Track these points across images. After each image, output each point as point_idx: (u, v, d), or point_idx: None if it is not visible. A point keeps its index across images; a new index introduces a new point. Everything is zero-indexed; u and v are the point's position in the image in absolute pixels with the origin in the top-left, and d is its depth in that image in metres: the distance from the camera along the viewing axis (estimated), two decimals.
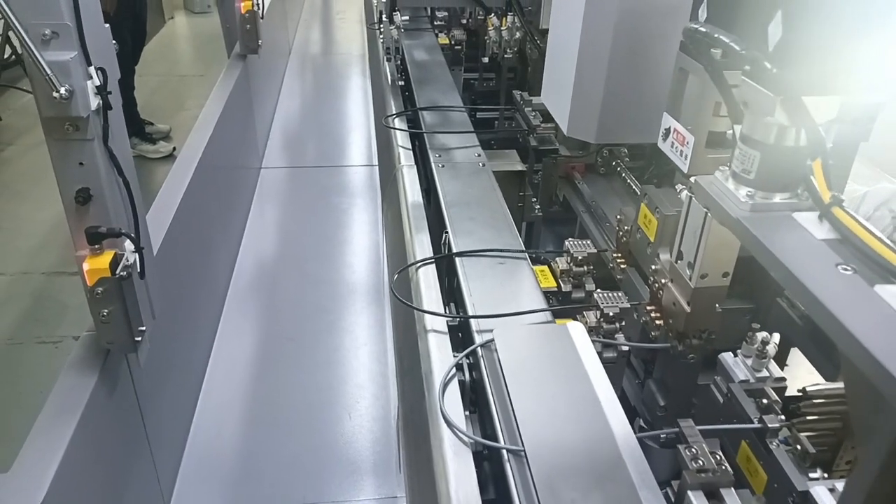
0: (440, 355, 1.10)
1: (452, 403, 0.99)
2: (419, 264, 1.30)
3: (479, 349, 1.07)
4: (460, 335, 1.20)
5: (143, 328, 1.60)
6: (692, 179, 0.93)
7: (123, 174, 1.51)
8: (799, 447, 0.89)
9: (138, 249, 1.55)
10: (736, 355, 1.05)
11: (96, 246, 1.47)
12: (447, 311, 1.20)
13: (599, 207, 1.67)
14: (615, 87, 1.20)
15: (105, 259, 1.48)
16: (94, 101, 1.39)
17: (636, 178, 1.66)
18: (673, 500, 0.84)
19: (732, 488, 0.81)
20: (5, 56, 4.33)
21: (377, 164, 3.87)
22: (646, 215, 1.19)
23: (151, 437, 1.90)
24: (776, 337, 1.05)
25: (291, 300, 2.92)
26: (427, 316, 1.17)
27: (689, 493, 0.79)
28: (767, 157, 0.81)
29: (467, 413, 1.00)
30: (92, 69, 1.37)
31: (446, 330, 1.15)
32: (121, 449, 1.73)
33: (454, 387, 1.03)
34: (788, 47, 0.75)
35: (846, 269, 0.70)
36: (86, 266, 1.47)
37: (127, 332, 1.55)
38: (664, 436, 1.00)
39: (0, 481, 1.32)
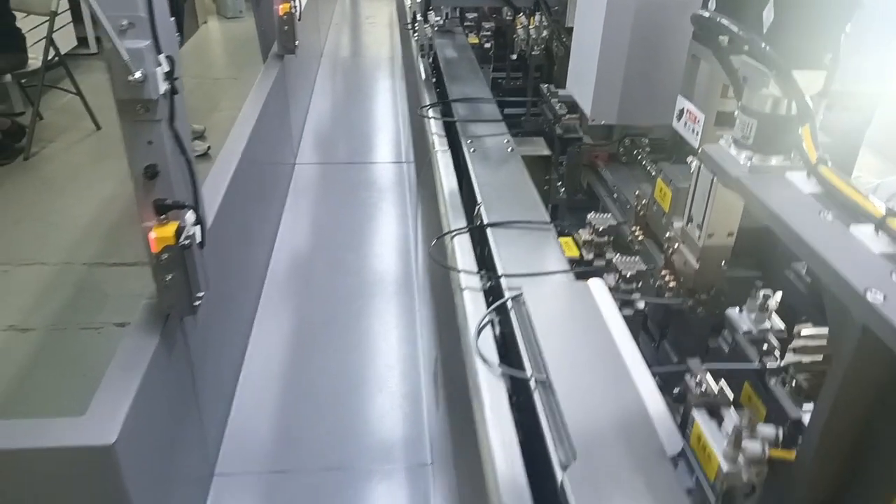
0: (474, 308, 1.24)
1: (485, 344, 1.13)
2: (454, 233, 1.44)
3: (509, 302, 1.21)
4: (491, 298, 1.34)
5: (201, 294, 1.76)
6: (700, 149, 1.06)
7: (186, 153, 1.68)
8: (794, 383, 1.01)
9: (199, 221, 1.71)
10: (741, 312, 1.18)
11: (162, 217, 1.63)
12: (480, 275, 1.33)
13: (622, 193, 1.79)
14: (634, 75, 1.34)
15: (170, 229, 1.64)
16: (163, 86, 1.56)
17: (655, 166, 1.79)
18: (680, 421, 0.97)
19: (732, 408, 0.94)
20: (49, 57, 4.54)
21: (405, 160, 4.03)
22: (661, 189, 1.32)
23: (201, 401, 2.06)
24: (778, 295, 1.18)
25: (325, 287, 3.08)
26: (462, 276, 1.31)
27: (694, 410, 0.91)
28: (763, 125, 0.94)
29: (498, 356, 1.14)
30: (161, 56, 1.54)
31: (479, 287, 1.28)
32: (175, 407, 1.89)
33: (487, 332, 1.17)
34: (779, 28, 0.88)
35: (827, 215, 0.83)
36: (152, 235, 1.63)
37: (187, 296, 1.71)
38: (673, 371, 1.12)
39: (78, 422, 1.48)
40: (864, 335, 0.71)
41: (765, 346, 1.10)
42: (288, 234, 3.46)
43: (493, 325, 1.21)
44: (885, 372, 0.73)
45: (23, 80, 4.76)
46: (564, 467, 0.90)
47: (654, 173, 1.78)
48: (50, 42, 4.55)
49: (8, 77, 4.61)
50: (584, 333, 1.13)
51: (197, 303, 1.75)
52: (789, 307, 1.27)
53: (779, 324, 1.15)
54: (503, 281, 1.27)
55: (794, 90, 0.89)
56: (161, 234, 1.63)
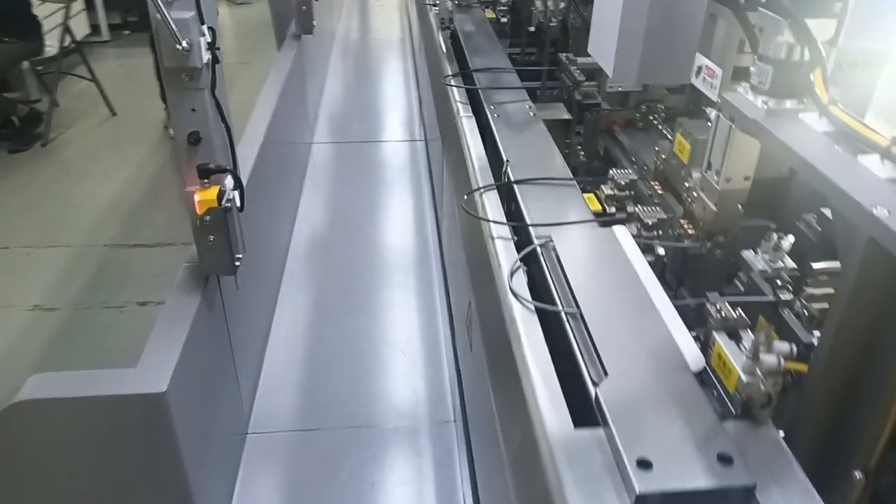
0: (506, 254, 1.33)
1: (518, 285, 1.23)
2: (483, 189, 1.53)
3: (538, 248, 1.30)
4: (521, 247, 1.43)
5: (240, 255, 1.86)
6: (719, 97, 1.14)
7: (225, 120, 1.77)
8: (806, 313, 1.10)
9: (238, 186, 1.80)
10: (756, 253, 1.27)
11: (205, 181, 1.72)
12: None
13: (638, 156, 1.87)
14: (653, 36, 1.42)
15: (213, 192, 1.73)
16: (206, 55, 1.64)
17: (671, 130, 1.87)
18: (701, 345, 1.06)
19: (749, 330, 1.02)
20: (65, 44, 4.61)
21: (419, 139, 4.12)
22: (680, 142, 1.40)
23: (237, 361, 2.16)
24: (790, 237, 1.26)
25: (345, 259, 3.19)
26: (493, 226, 1.40)
27: (714, 333, 1.00)
28: (778, 71, 1.02)
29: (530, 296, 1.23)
30: (204, 27, 1.63)
31: (510, 237, 1.37)
32: (216, 365, 2.00)
33: (519, 276, 1.26)
34: None
35: (837, 148, 0.91)
36: (197, 198, 1.72)
37: (229, 256, 1.81)
38: (694, 305, 1.21)
39: (131, 373, 1.58)
40: (870, 247, 0.80)
41: (778, 283, 1.19)
42: (308, 211, 3.56)
43: (523, 271, 1.30)
44: (889, 279, 0.82)
45: (38, 68, 4.83)
46: (596, 384, 0.99)
47: (669, 136, 1.86)
48: (66, 29, 4.62)
49: (25, 64, 4.68)
50: (610, 272, 1.22)
51: (237, 263, 1.84)
52: (800, 254, 1.35)
53: (791, 263, 1.24)
54: (531, 231, 1.36)
55: (807, 36, 0.97)
56: (205, 196, 1.72)
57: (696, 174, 1.36)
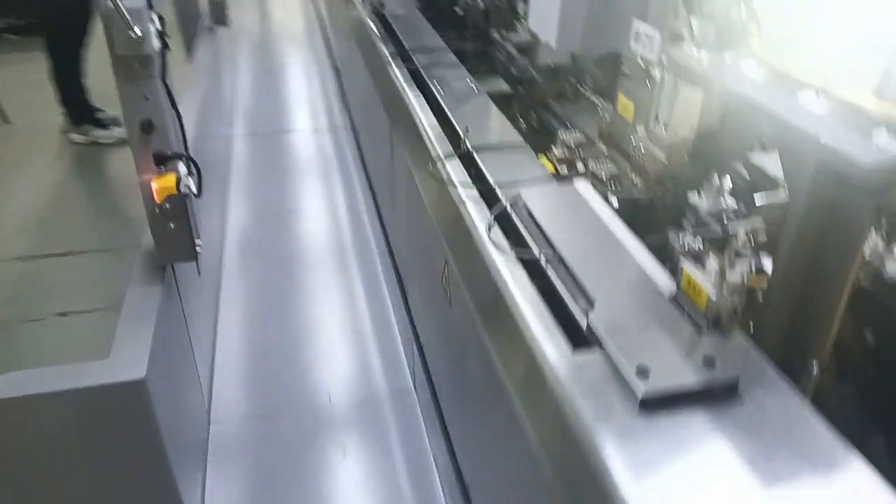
0: (480, 213, 1.42)
1: (497, 237, 1.33)
2: (445, 158, 1.62)
3: (508, 206, 1.41)
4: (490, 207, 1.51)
5: (200, 241, 1.86)
6: (663, 56, 1.28)
7: (176, 107, 1.77)
8: (753, 240, 1.26)
9: (195, 171, 1.81)
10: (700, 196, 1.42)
11: (161, 168, 1.73)
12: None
13: (574, 127, 2.01)
14: (593, 6, 1.55)
15: (170, 179, 1.74)
16: (156, 42, 1.65)
17: (601, 99, 2.03)
18: (670, 273, 1.20)
19: (711, 257, 1.17)
20: None
21: (341, 126, 4.16)
22: (623, 103, 1.54)
23: (195, 349, 2.16)
24: (728, 180, 1.42)
25: (283, 248, 3.23)
26: (462, 190, 1.49)
27: (681, 261, 1.14)
28: (720, 26, 1.16)
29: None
30: (153, 14, 1.63)
31: (479, 199, 1.47)
32: (179, 354, 2.00)
33: (496, 230, 1.36)
34: None
35: (777, 90, 1.06)
36: (154, 185, 1.72)
37: (190, 242, 1.82)
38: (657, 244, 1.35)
39: (106, 364, 1.57)
40: (818, 170, 0.95)
41: (724, 219, 1.34)
42: (237, 202, 3.54)
43: (498, 227, 1.39)
44: (834, 196, 0.97)
45: None
46: (587, 313, 1.11)
47: (600, 104, 2.01)
48: None
49: None
50: (579, 220, 1.34)
51: (198, 249, 1.85)
52: (734, 195, 1.53)
53: (732, 203, 1.40)
54: (499, 192, 1.46)
55: None
56: (163, 184, 1.72)
57: (641, 130, 1.50)
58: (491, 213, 1.40)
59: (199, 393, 2.23)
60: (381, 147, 2.32)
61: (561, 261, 1.23)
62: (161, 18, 1.66)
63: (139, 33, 1.55)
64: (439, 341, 1.66)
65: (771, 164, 1.44)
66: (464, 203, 1.47)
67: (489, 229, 1.35)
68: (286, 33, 6.23)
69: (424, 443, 2.17)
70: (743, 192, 1.47)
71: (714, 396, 0.97)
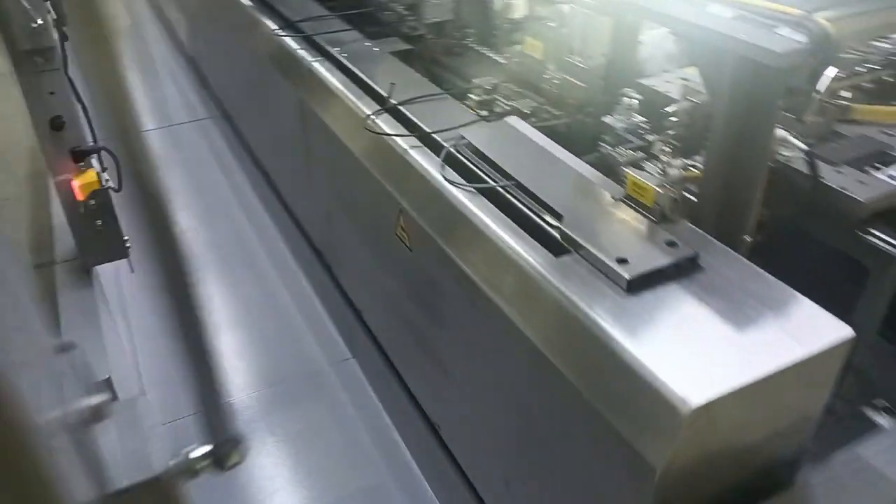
0: (427, 158, 1.52)
1: (452, 176, 1.43)
2: (375, 114, 1.69)
3: (453, 148, 1.51)
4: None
5: (127, 237, 1.81)
6: None
7: (81, 99, 1.71)
8: (673, 145, 1.45)
9: (114, 163, 1.75)
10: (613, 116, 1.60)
11: (80, 164, 1.67)
12: None
13: (466, 78, 2.13)
14: None
15: (91, 174, 1.69)
16: (56, 34, 1.59)
17: (487, 48, 2.17)
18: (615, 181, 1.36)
19: (647, 161, 1.34)
20: None
21: (205, 117, 4.03)
22: (531, 43, 1.68)
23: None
24: (635, 100, 1.60)
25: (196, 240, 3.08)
26: (401, 141, 1.58)
27: (624, 169, 1.30)
28: None
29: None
30: (48, 4, 1.57)
31: (421, 145, 1.56)
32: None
33: (448, 170, 1.46)
34: None
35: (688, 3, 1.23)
36: (76, 183, 1.66)
37: (120, 238, 1.76)
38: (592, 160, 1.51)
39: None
40: (737, 64, 1.13)
41: (639, 132, 1.53)
42: None
43: (449, 168, 1.49)
44: (753, 85, 1.16)
45: None
46: (559, 224, 1.25)
47: (489, 53, 2.15)
48: None
49: None
50: (521, 150, 1.47)
51: (128, 244, 1.80)
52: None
53: (642, 119, 1.59)
54: (438, 137, 1.56)
55: None
56: (84, 180, 1.67)
57: (552, 66, 1.65)
58: (440, 155, 1.50)
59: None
60: (283, 124, 2.33)
61: (520, 186, 1.35)
62: (56, 6, 1.59)
63: (41, 23, 1.49)
64: (398, 292, 1.74)
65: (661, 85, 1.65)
66: (408, 152, 1.55)
67: (443, 169, 1.45)
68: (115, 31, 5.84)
69: (375, 404, 2.22)
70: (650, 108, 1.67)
71: (682, 271, 1.15)
